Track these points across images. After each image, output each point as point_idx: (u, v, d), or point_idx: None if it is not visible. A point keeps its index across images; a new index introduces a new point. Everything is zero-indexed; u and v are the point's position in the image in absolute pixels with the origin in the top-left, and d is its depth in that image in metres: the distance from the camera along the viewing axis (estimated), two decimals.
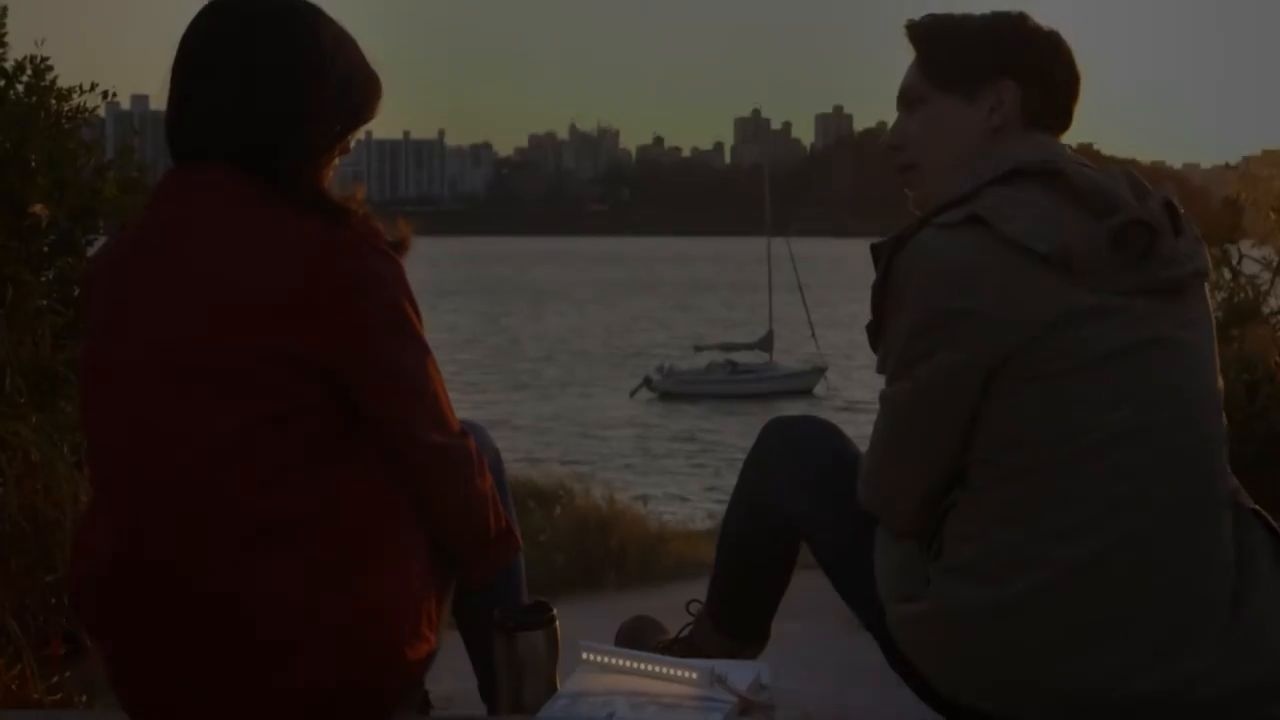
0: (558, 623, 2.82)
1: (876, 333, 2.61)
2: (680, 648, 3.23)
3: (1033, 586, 2.43)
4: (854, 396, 39.26)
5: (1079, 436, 2.43)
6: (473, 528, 2.64)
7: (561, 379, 45.39)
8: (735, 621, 3.15)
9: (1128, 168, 2.63)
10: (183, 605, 2.41)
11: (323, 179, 2.54)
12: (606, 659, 2.69)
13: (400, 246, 2.52)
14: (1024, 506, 2.45)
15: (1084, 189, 2.50)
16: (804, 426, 3.01)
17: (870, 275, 2.58)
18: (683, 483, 26.39)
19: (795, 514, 2.92)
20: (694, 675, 2.60)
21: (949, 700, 2.59)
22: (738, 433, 31.89)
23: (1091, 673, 2.43)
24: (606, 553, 15.65)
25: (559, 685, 2.82)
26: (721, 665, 2.65)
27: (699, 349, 44.17)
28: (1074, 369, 2.43)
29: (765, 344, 42.96)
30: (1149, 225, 2.47)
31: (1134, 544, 2.42)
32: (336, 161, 2.61)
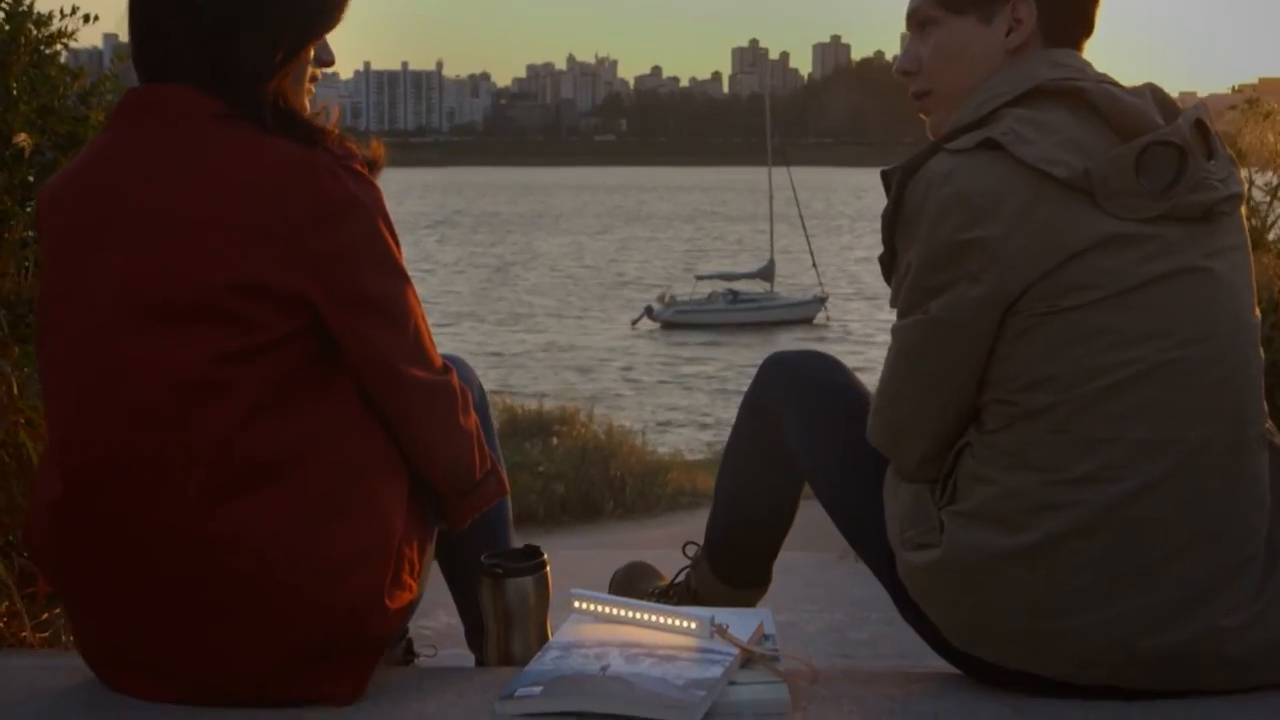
0: (549, 568, 2.68)
1: (889, 264, 2.45)
2: (677, 593, 3.10)
3: (1053, 533, 2.29)
4: (852, 327, 39.28)
5: (1102, 374, 2.28)
6: (456, 468, 2.49)
7: (560, 309, 45.23)
8: (735, 566, 3.01)
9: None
10: (143, 556, 2.26)
11: (293, 99, 2.37)
12: (600, 607, 2.54)
13: (373, 167, 2.36)
14: (1044, 448, 2.30)
15: (1108, 108, 2.33)
16: (805, 362, 2.85)
17: (878, 204, 2.43)
18: (683, 413, 26.30)
19: (798, 455, 2.77)
20: (693, 625, 2.45)
21: (962, 652, 2.45)
22: (739, 363, 31.86)
23: (1115, 625, 2.29)
24: (605, 482, 15.67)
25: (550, 634, 2.68)
26: (722, 614, 2.51)
27: (700, 278, 44.09)
28: (1096, 302, 2.28)
29: (766, 273, 42.85)
30: (1178, 147, 2.31)
31: (1162, 488, 2.27)
32: (312, 88, 2.44)
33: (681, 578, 3.12)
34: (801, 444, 2.75)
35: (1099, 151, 2.29)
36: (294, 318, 2.28)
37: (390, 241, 2.34)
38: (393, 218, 2.36)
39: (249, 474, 2.27)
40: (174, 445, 2.25)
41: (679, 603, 3.06)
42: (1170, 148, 2.31)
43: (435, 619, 3.57)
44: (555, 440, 16.61)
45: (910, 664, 3.12)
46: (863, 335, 36.33)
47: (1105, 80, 2.40)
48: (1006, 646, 2.38)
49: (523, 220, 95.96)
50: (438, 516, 2.56)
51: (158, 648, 2.32)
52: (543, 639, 2.64)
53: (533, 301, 47.27)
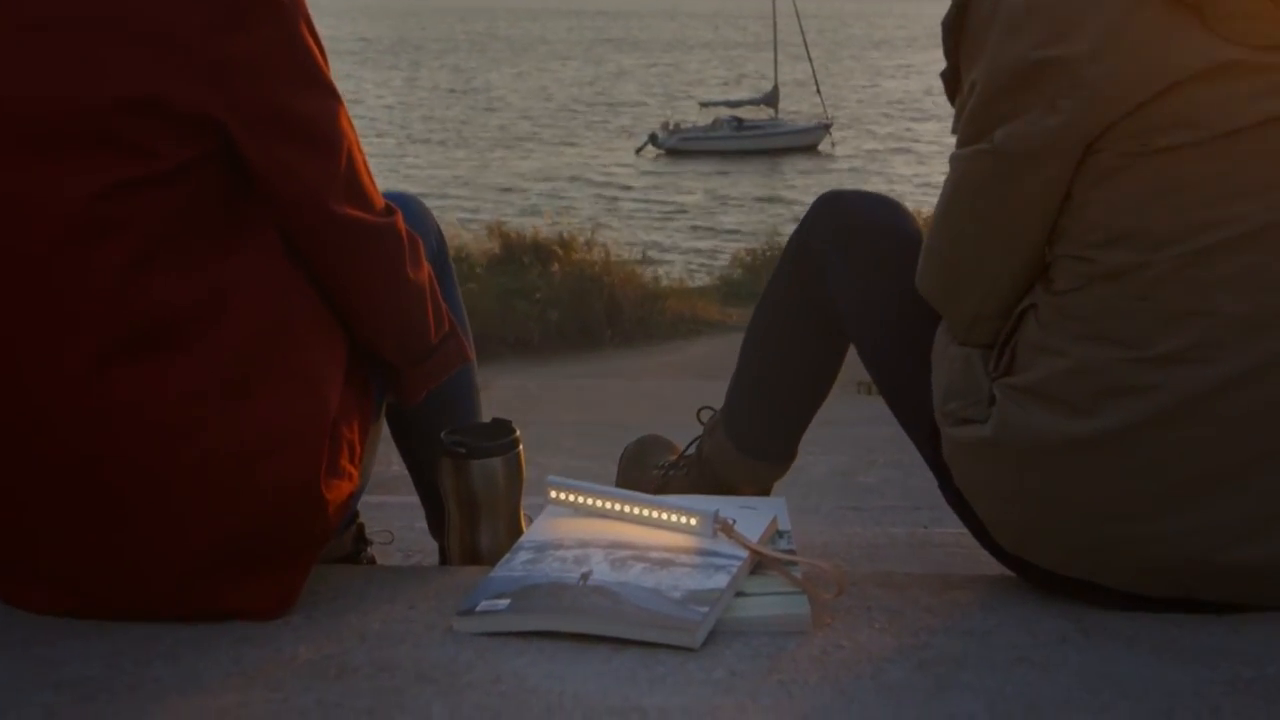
0: (521, 446, 2.26)
1: (952, 82, 2.00)
2: (687, 465, 2.67)
3: (1130, 421, 1.86)
4: (853, 155, 38.78)
5: (1197, 232, 1.84)
6: (405, 332, 2.06)
7: (558, 136, 44.49)
8: (757, 436, 2.58)
9: None
10: (24, 434, 1.85)
11: None
12: (581, 498, 2.12)
13: None
14: (1124, 318, 1.87)
15: None
16: (861, 203, 2.39)
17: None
18: (684, 239, 25.86)
19: (843, 307, 2.33)
20: (693, 522, 2.04)
21: (1009, 553, 2.04)
22: (742, 189, 31.37)
23: (1193, 535, 1.88)
24: (604, 310, 15.44)
25: (524, 525, 2.27)
26: (728, 506, 2.10)
27: (704, 105, 43.35)
28: (1197, 144, 1.83)
29: (771, 99, 42.06)
30: None
31: (1262, 376, 1.84)
32: None
33: (693, 448, 2.69)
34: (847, 295, 2.32)
35: None
36: (198, 141, 1.84)
37: (315, 50, 1.88)
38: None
39: (148, 333, 1.85)
40: (55, 299, 1.82)
41: (688, 475, 2.65)
42: None
43: (396, 491, 3.14)
44: (554, 267, 16.34)
45: (945, 561, 2.72)
46: (868, 168, 35.82)
47: None
48: (1064, 551, 1.97)
49: (511, 46, 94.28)
50: (386, 389, 2.14)
51: (45, 548, 1.92)
52: (515, 531, 2.24)
53: (527, 128, 46.47)
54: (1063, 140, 1.86)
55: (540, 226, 18.77)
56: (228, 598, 1.91)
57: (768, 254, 17.38)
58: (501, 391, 10.57)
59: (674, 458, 2.72)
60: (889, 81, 62.95)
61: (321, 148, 1.91)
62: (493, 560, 2.14)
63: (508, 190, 31.38)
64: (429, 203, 2.43)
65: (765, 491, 2.62)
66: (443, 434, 2.23)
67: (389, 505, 3.02)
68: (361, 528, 2.40)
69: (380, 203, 2.01)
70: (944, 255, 2.05)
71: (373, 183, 2.00)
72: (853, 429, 5.87)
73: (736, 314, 15.78)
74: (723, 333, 15.01)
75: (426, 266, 2.08)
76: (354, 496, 2.01)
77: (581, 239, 17.68)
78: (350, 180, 1.95)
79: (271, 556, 1.92)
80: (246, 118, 1.84)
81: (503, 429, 2.25)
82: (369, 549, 2.40)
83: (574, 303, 15.68)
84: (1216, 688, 1.73)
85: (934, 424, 2.10)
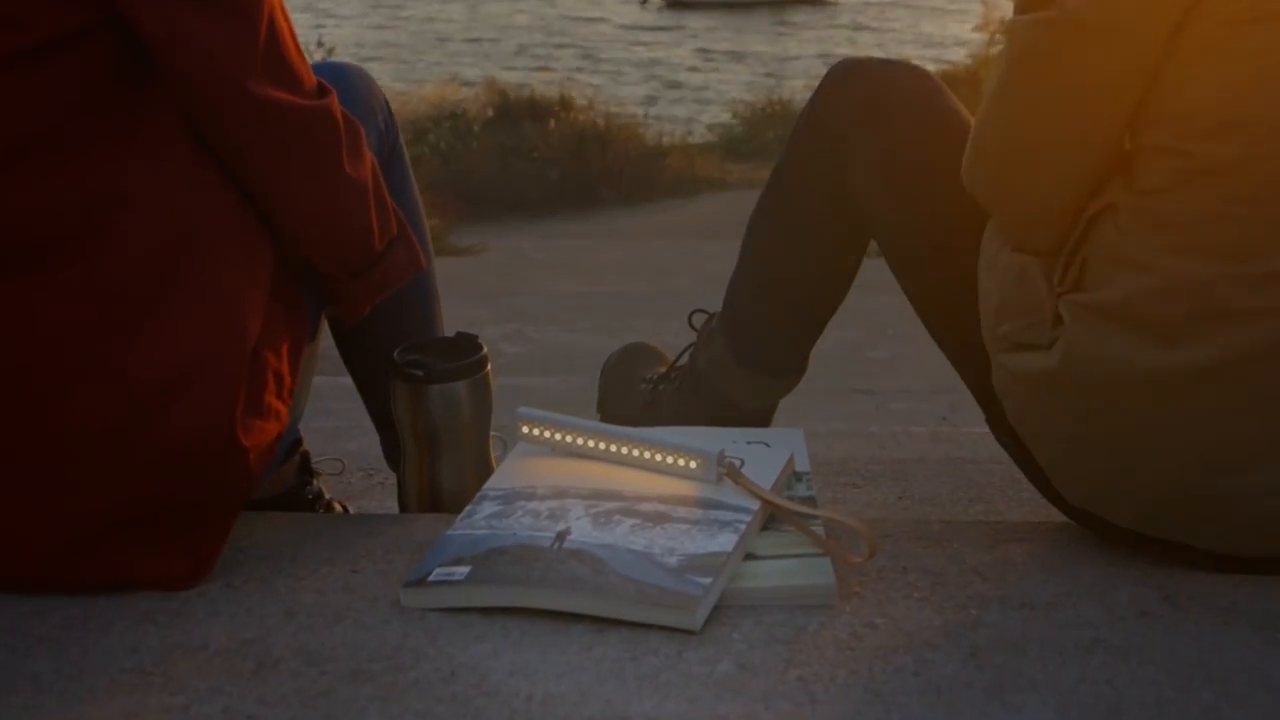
0: (489, 366, 1.91)
1: None
2: (681, 381, 2.31)
3: (1231, 352, 1.51)
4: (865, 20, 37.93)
5: None
6: (341, 237, 1.71)
7: None
8: (762, 346, 2.20)
9: None
10: None
11: None
12: (557, 435, 1.76)
13: None
14: (1227, 225, 1.52)
15: None
16: (886, 73, 2.00)
17: None
18: (684, 95, 25.31)
19: (865, 198, 1.95)
20: (693, 465, 1.69)
21: (1074, 505, 1.70)
22: (746, 42, 30.71)
23: None
24: (602, 168, 15.15)
25: (494, 461, 1.93)
26: (734, 440, 1.76)
27: None
28: None
29: None
30: None
31: None
32: None
33: (686, 358, 2.32)
34: (872, 187, 1.94)
35: None
36: (79, 9, 1.48)
37: None
38: None
39: (17, 249, 1.50)
40: None
41: (680, 390, 2.28)
42: None
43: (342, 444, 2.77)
44: (552, 124, 15.97)
45: (981, 484, 2.37)
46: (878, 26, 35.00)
47: None
48: (1145, 505, 1.63)
49: None
50: (323, 303, 1.78)
51: None
52: (483, 468, 1.89)
53: None
54: (1155, 4, 1.49)
55: (537, 83, 18.30)
56: (130, 566, 1.57)
57: (767, 110, 16.94)
58: (497, 254, 10.25)
59: (664, 369, 2.35)
60: None
61: (234, 12, 1.54)
62: (456, 504, 1.80)
63: (500, 42, 30.68)
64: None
65: (772, 409, 2.26)
66: (395, 352, 1.88)
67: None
68: (306, 456, 2.05)
69: (310, 80, 1.64)
70: (998, 144, 1.67)
71: (301, 56, 1.63)
72: (861, 298, 5.52)
73: (737, 171, 15.48)
74: (723, 190, 14.71)
75: (369, 157, 1.71)
76: (280, 439, 1.66)
77: (580, 96, 17.25)
78: (272, 53, 1.58)
79: (180, 516, 1.58)
80: None
81: (467, 345, 1.90)
82: (315, 482, 2.06)
83: (573, 161, 15.35)
84: None
85: (982, 349, 1.75)
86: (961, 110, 1.92)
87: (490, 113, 16.33)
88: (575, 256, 9.79)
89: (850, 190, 1.97)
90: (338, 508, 2.08)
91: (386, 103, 1.94)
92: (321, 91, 1.64)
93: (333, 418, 2.94)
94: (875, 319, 5.15)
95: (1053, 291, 1.64)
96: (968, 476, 2.45)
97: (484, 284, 8.10)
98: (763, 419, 2.25)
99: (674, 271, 8.63)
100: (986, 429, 1.87)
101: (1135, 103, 1.55)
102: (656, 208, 14.78)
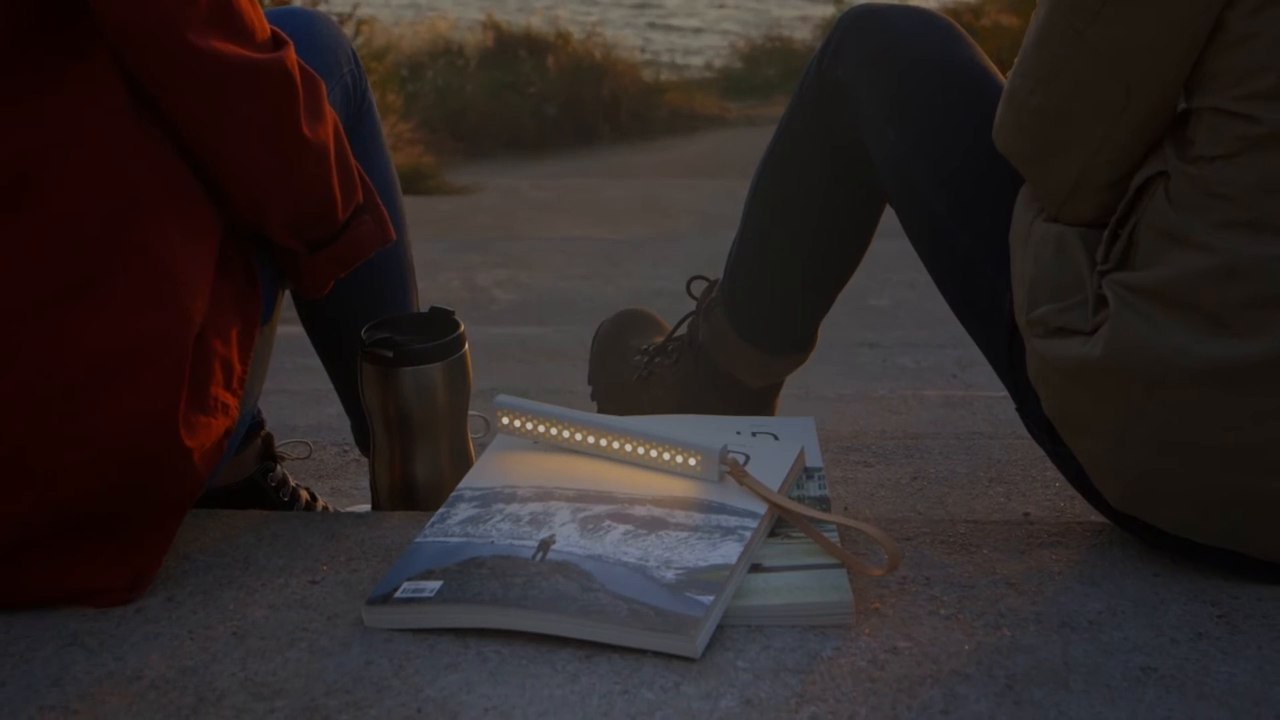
0: (467, 346, 1.73)
1: None
2: (679, 354, 2.12)
3: None
4: None
5: None
6: (298, 205, 1.52)
7: None
8: (766, 320, 2.02)
9: None
10: None
11: None
12: (540, 427, 1.58)
13: None
14: None
15: None
16: (902, 21, 1.80)
17: None
18: (684, 24, 25.01)
19: (881, 160, 1.76)
20: (692, 462, 1.51)
21: (1115, 506, 1.53)
22: None
23: None
24: (599, 104, 14.92)
25: (474, 451, 1.75)
26: (739, 434, 1.58)
27: None
28: None
29: None
30: None
31: None
32: None
33: (685, 328, 2.14)
34: (888, 145, 1.74)
35: None
36: None
37: None
38: None
39: None
40: None
41: (678, 364, 2.11)
42: None
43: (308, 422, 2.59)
44: (549, 59, 15.73)
45: (1001, 462, 2.19)
46: None
47: None
48: (1196, 511, 1.45)
49: None
50: (281, 277, 1.60)
51: None
52: (461, 458, 1.72)
53: None
54: None
55: (532, 17, 18.03)
56: (60, 580, 1.40)
57: (767, 46, 16.70)
58: (493, 194, 10.03)
59: (660, 340, 2.16)
60: None
61: None
62: (431, 499, 1.63)
63: None
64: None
65: (777, 386, 2.09)
66: (363, 330, 1.69)
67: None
68: (268, 440, 1.87)
69: (264, 31, 1.45)
70: (1036, 101, 1.48)
71: (253, 2, 1.44)
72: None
73: (736, 108, 15.25)
74: (721, 128, 14.48)
75: (331, 116, 1.52)
76: (230, 436, 1.48)
77: (578, 30, 16.99)
78: (217, 0, 1.39)
79: (116, 523, 1.40)
80: None
81: (443, 322, 1.72)
82: (279, 468, 1.88)
83: (569, 97, 15.13)
84: None
85: (1014, 331, 1.57)
86: (985, 61, 1.72)
87: (487, 46, 16.11)
88: (572, 195, 9.59)
89: (860, 148, 1.78)
90: (304, 496, 1.90)
91: (354, 54, 1.74)
92: (277, 43, 1.45)
93: (313, 377, 2.76)
94: (878, 263, 4.97)
95: (1095, 269, 1.46)
96: (986, 453, 2.28)
97: (479, 225, 7.93)
98: (768, 395, 2.08)
99: (673, 212, 8.45)
100: (996, 391, 1.69)
101: (1194, 57, 1.37)
102: (655, 145, 14.57)
